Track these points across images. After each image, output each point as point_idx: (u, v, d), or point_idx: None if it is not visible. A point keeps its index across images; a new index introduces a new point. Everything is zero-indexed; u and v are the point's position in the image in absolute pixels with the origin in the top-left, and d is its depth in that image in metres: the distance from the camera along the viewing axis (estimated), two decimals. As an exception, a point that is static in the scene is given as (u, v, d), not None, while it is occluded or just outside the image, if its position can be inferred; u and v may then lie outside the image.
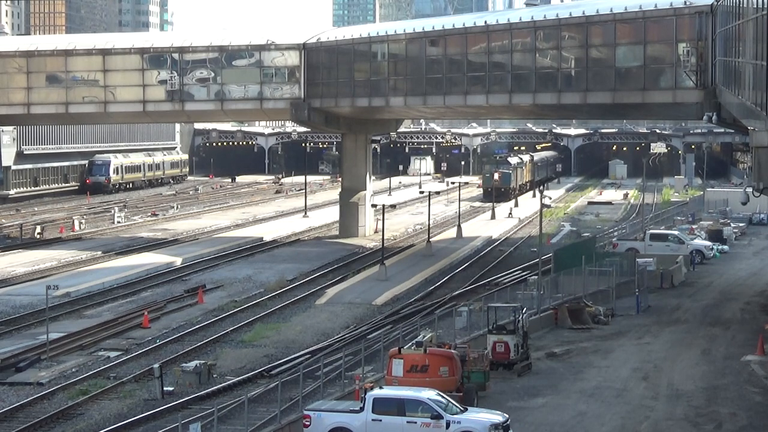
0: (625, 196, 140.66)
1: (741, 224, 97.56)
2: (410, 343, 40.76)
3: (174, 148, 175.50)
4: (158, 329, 55.31)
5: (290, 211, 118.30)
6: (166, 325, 56.63)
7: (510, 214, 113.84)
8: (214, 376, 45.38)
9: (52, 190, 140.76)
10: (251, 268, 76.59)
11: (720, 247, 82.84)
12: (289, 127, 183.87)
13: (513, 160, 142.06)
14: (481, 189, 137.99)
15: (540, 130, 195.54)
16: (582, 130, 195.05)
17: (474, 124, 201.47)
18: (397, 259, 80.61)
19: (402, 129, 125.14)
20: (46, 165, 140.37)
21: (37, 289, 60.90)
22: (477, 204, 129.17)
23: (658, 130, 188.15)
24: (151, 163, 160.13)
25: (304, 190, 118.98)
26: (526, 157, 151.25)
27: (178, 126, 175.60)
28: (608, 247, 76.65)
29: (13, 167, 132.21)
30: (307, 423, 33.38)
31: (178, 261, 78.33)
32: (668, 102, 65.79)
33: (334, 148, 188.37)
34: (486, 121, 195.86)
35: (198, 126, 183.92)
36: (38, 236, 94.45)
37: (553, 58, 68.95)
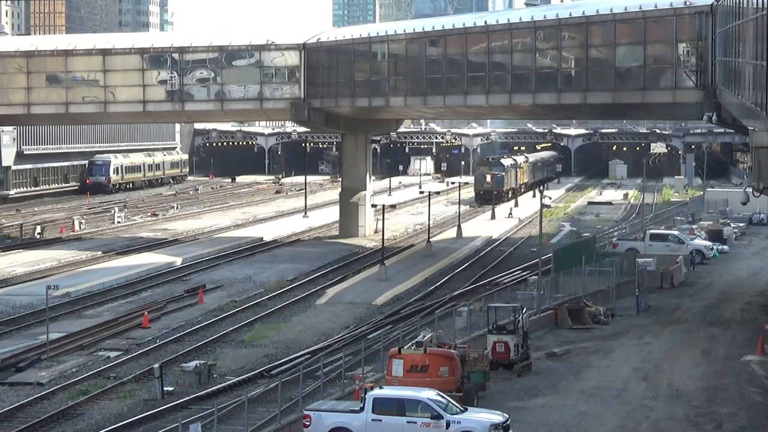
0: (625, 196, 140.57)
1: (741, 224, 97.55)
2: (410, 343, 40.76)
3: (174, 148, 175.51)
4: (158, 329, 55.30)
5: (290, 211, 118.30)
6: (166, 325, 56.62)
7: (510, 214, 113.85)
8: (214, 376, 45.37)
9: (52, 190, 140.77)
10: (251, 268, 76.59)
11: (720, 247, 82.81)
12: (289, 127, 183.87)
13: (506, 161, 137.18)
14: (474, 192, 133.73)
15: (540, 130, 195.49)
16: (582, 130, 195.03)
17: (474, 124, 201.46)
18: (397, 259, 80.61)
19: (402, 129, 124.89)
20: (46, 165, 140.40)
21: (37, 289, 60.87)
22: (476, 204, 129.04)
23: (658, 130, 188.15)
24: (151, 163, 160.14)
25: (304, 190, 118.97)
26: (521, 158, 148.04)
27: (178, 126, 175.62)
28: (608, 247, 76.59)
29: (13, 167, 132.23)
30: (307, 423, 33.38)
31: (178, 261, 78.33)
32: (668, 102, 65.82)
33: (334, 148, 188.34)
34: (486, 121, 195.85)
35: (198, 126, 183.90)
36: (38, 236, 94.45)
37: (553, 58, 68.96)
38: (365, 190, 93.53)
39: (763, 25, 36.07)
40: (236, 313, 59.66)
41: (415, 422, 32.98)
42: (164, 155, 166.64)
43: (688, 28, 62.31)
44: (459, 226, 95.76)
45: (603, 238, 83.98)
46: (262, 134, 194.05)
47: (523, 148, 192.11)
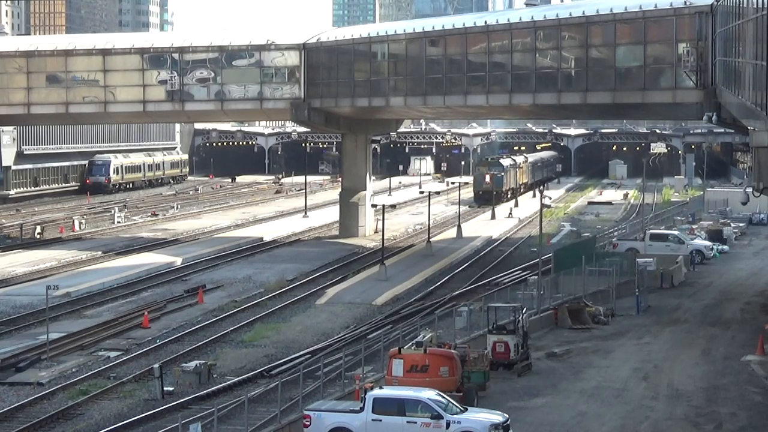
0: (625, 196, 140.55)
1: (741, 224, 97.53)
2: (410, 343, 40.76)
3: (174, 148, 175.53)
4: (158, 329, 55.29)
5: (290, 211, 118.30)
6: (166, 325, 56.62)
7: (510, 214, 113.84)
8: (214, 376, 45.37)
9: (52, 190, 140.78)
10: (251, 268, 76.58)
11: (720, 247, 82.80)
12: (289, 127, 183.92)
13: (506, 161, 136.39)
14: (472, 192, 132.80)
15: (540, 130, 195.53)
16: (582, 130, 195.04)
17: (474, 124, 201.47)
18: (397, 259, 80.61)
19: (402, 129, 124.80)
20: (46, 165, 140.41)
21: (37, 289, 60.86)
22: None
23: (658, 130, 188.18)
24: (151, 163, 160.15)
25: (304, 190, 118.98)
26: (520, 159, 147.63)
27: (178, 126, 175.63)
28: (608, 247, 76.58)
29: (13, 167, 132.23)
30: (307, 423, 33.38)
31: (178, 261, 78.32)
32: (668, 102, 65.81)
33: (334, 148, 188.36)
34: (486, 121, 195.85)
35: (198, 126, 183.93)
36: (38, 236, 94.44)
37: (553, 58, 68.95)
38: (365, 190, 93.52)
39: (763, 25, 36.07)
40: (236, 313, 59.65)
41: (415, 422, 32.97)
42: (164, 155, 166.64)
43: (688, 28, 62.30)
44: (459, 226, 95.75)
45: (603, 238, 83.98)
46: (262, 134, 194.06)
47: (523, 148, 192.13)
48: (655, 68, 64.39)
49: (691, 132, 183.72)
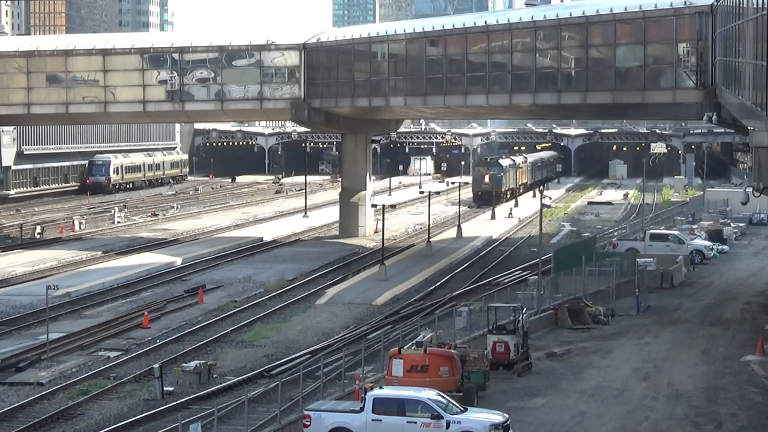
0: (625, 196, 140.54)
1: (741, 224, 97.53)
2: (410, 343, 40.76)
3: (174, 148, 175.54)
4: (158, 329, 55.29)
5: (290, 211, 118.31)
6: (166, 325, 56.62)
7: (510, 214, 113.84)
8: (214, 376, 45.37)
9: (52, 190, 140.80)
10: (251, 268, 76.59)
11: (720, 247, 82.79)
12: (289, 127, 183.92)
13: (505, 161, 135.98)
14: (471, 192, 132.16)
15: (540, 130, 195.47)
16: (582, 130, 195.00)
17: (474, 124, 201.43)
18: (397, 259, 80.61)
19: (402, 129, 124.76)
20: (46, 165, 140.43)
21: (37, 289, 60.86)
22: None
23: (658, 130, 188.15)
24: (151, 163, 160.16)
25: (304, 190, 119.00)
26: (519, 159, 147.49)
27: (178, 126, 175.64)
28: (608, 247, 76.57)
29: (13, 167, 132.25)
30: (307, 423, 33.38)
31: (178, 261, 78.32)
32: (668, 102, 65.82)
33: (334, 148, 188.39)
34: (486, 121, 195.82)
35: (198, 126, 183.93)
36: (38, 236, 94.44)
37: (553, 58, 68.96)
38: (365, 190, 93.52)
39: (763, 25, 36.08)
40: (236, 313, 59.65)
41: (415, 422, 32.97)
42: (164, 155, 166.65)
43: (688, 28, 62.31)
44: (459, 226, 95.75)
45: (603, 238, 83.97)
46: (262, 134, 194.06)
47: (523, 148, 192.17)
48: (655, 68, 64.40)
49: (691, 132, 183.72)
